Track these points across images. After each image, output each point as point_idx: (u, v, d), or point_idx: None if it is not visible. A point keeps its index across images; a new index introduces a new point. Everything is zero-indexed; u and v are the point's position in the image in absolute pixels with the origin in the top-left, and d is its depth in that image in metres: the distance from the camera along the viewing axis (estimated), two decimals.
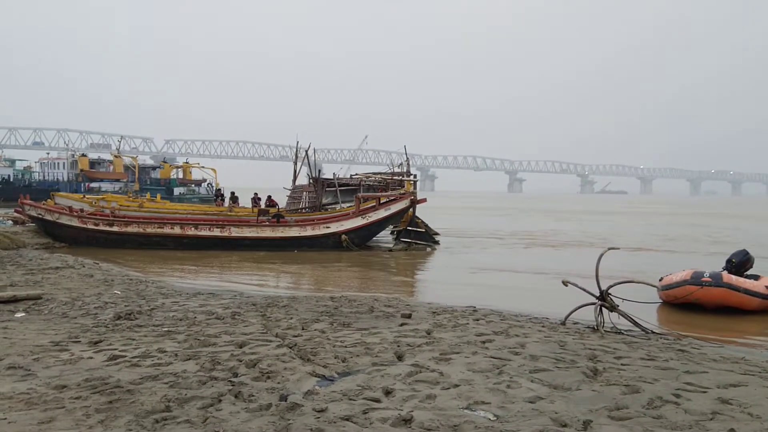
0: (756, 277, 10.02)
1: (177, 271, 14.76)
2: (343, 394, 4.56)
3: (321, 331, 6.93)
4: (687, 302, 9.75)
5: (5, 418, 3.97)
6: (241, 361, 5.46)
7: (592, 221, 40.85)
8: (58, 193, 28.03)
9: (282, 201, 26.19)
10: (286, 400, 4.40)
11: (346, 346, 6.15)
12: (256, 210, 22.94)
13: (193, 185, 58.19)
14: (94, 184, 50.04)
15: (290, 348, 6.03)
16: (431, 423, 3.99)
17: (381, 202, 20.02)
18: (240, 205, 26.49)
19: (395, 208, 20.05)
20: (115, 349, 5.88)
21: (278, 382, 4.87)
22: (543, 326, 7.79)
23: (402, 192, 21.72)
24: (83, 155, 57.37)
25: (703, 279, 9.55)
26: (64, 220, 19.29)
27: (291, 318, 7.78)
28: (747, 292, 9.47)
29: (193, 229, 19.09)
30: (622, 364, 5.62)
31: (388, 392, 4.66)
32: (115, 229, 19.12)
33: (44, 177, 55.00)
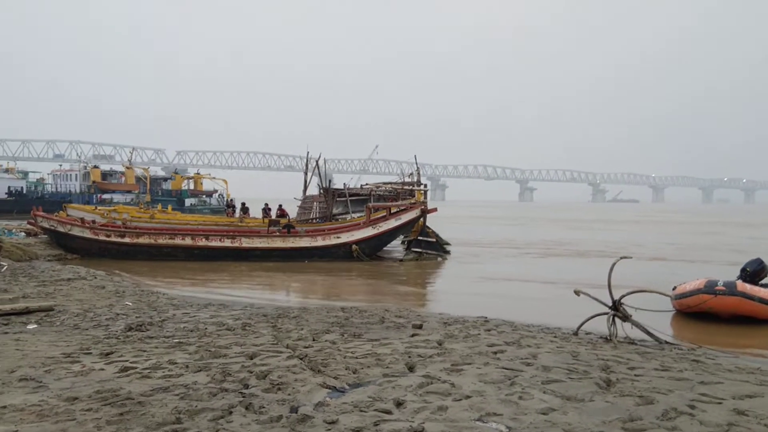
0: None
1: (188, 282, 14.80)
2: (354, 406, 4.54)
3: (332, 342, 6.91)
4: (701, 311, 9.66)
5: (17, 430, 3.98)
6: (251, 373, 5.44)
7: (604, 230, 40.67)
8: (71, 204, 28.26)
9: (293, 211, 26.24)
10: (296, 412, 4.38)
11: (356, 357, 6.12)
12: (266, 220, 23.01)
13: (204, 196, 58.49)
14: (106, 196, 50.43)
15: (301, 359, 6.01)
16: None
17: (391, 212, 20.03)
18: (251, 216, 26.56)
19: (406, 217, 20.05)
20: (126, 361, 5.89)
21: (289, 394, 4.85)
22: (555, 336, 7.74)
23: (412, 202, 21.72)
24: (95, 167, 57.87)
25: (717, 288, 9.46)
26: (76, 231, 19.41)
27: (301, 329, 7.77)
28: (762, 300, 9.37)
29: (203, 240, 19.15)
30: (635, 375, 5.56)
31: (399, 404, 4.63)
32: (126, 240, 19.22)
33: (57, 189, 55.53)
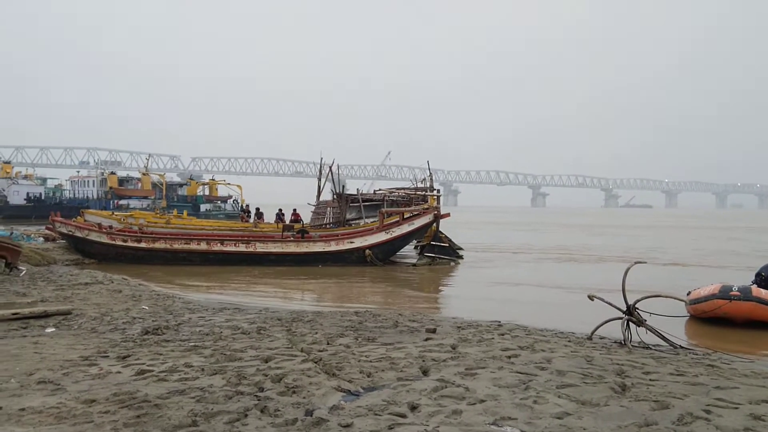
0: None
1: (203, 286, 14.89)
2: (368, 409, 4.56)
3: (346, 346, 6.93)
4: (715, 317, 9.58)
5: None
6: (266, 376, 5.48)
7: (621, 235, 40.39)
8: (88, 210, 28.52)
9: (307, 216, 26.33)
10: (311, 415, 4.41)
11: (371, 361, 6.14)
12: (280, 225, 23.10)
13: (219, 202, 58.89)
14: (122, 201, 50.90)
15: (315, 363, 6.04)
16: None
17: (404, 217, 20.03)
18: (265, 221, 26.69)
19: (419, 223, 20.03)
20: (143, 364, 5.95)
21: (304, 397, 4.88)
22: (569, 341, 7.71)
23: (425, 207, 21.72)
24: (112, 173, 58.43)
25: (732, 293, 9.39)
26: (94, 236, 19.59)
27: (316, 333, 7.80)
28: None
29: (218, 244, 19.25)
30: (650, 380, 5.54)
31: (413, 407, 4.64)
32: (142, 245, 19.37)
33: (74, 194, 56.14)
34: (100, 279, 13.82)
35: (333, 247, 19.34)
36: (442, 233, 21.13)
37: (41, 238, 22.42)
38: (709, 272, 17.61)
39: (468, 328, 8.50)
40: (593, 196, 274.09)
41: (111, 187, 54.28)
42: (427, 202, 23.30)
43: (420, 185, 26.95)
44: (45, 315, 8.84)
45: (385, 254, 19.73)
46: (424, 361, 6.16)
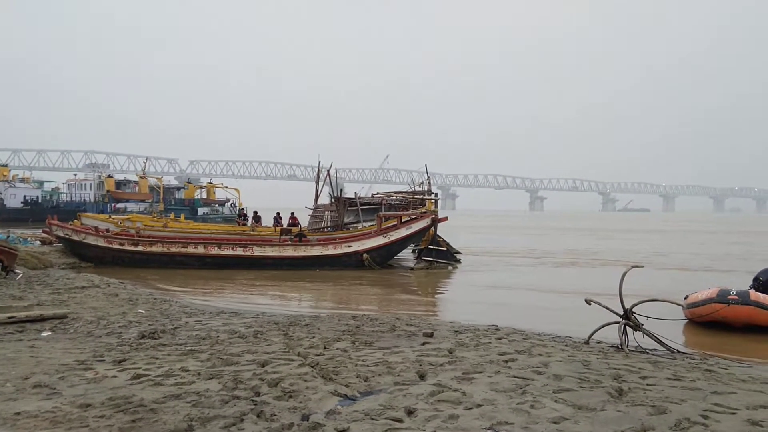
0: None
1: (200, 290, 14.87)
2: (365, 414, 4.54)
3: (343, 350, 6.92)
4: (713, 321, 9.59)
5: None
6: (263, 380, 5.46)
7: (621, 240, 40.40)
8: (85, 213, 28.47)
9: (304, 220, 26.32)
10: (308, 420, 4.39)
11: (368, 365, 6.13)
12: (278, 229, 23.09)
13: (216, 205, 58.79)
14: (119, 205, 50.82)
15: (312, 367, 6.03)
16: None
17: (402, 220, 20.04)
18: (262, 225, 26.67)
19: (416, 226, 20.05)
20: (139, 368, 5.93)
21: (300, 402, 4.86)
22: (566, 345, 7.71)
23: (423, 211, 21.72)
24: (109, 176, 58.36)
25: (730, 297, 9.39)
26: (90, 240, 19.57)
27: (313, 337, 7.79)
28: None
29: (216, 248, 19.24)
30: (647, 384, 5.53)
31: (410, 412, 4.63)
32: (139, 248, 19.35)
33: (71, 198, 56.00)
34: (97, 282, 13.79)
35: (331, 250, 19.34)
36: (440, 237, 21.14)
37: (38, 242, 22.40)
38: (708, 276, 17.62)
39: (465, 332, 8.49)
40: (591, 200, 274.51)
41: (108, 191, 54.19)
42: (425, 205, 23.32)
43: (418, 189, 26.96)
44: (41, 319, 8.82)
45: (382, 258, 19.73)
46: (421, 365, 6.15)
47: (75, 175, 66.63)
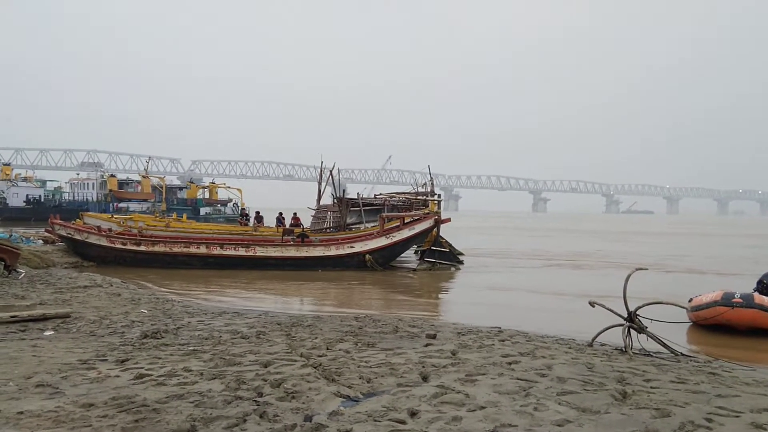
0: None
1: (202, 290, 14.87)
2: (368, 415, 4.53)
3: (345, 351, 6.91)
4: (717, 324, 9.56)
5: None
6: (266, 381, 5.45)
7: (626, 242, 40.31)
8: (87, 213, 28.48)
9: (307, 221, 26.31)
10: (310, 421, 4.38)
11: (370, 367, 6.12)
12: (280, 229, 23.08)
13: (219, 205, 58.82)
14: (122, 204, 50.86)
15: (315, 368, 6.02)
16: None
17: (405, 221, 20.02)
18: (265, 225, 26.66)
19: (419, 227, 20.03)
20: (142, 368, 5.92)
21: (303, 403, 4.85)
22: (570, 348, 7.69)
23: (426, 212, 21.70)
24: (112, 176, 58.44)
25: (734, 300, 9.36)
26: (93, 239, 19.59)
27: (315, 338, 7.78)
28: None
29: (218, 248, 19.24)
30: (651, 387, 5.51)
31: (413, 414, 4.62)
32: (142, 248, 19.36)
33: (74, 197, 56.07)
34: (99, 282, 13.80)
35: (333, 251, 19.34)
36: (443, 238, 21.12)
37: (40, 241, 22.43)
38: (713, 279, 17.58)
39: (468, 333, 8.47)
40: (594, 202, 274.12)
41: (111, 190, 54.27)
42: (427, 206, 23.29)
43: (421, 190, 26.93)
44: (44, 318, 8.82)
45: (385, 259, 19.72)
46: (424, 366, 6.14)
47: (77, 174, 66.71)
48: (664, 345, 7.63)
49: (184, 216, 34.80)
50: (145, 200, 53.81)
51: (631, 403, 4.99)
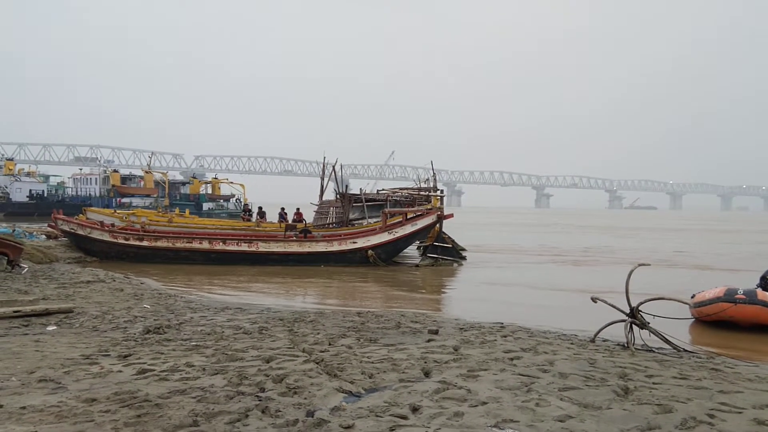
0: None
1: (205, 285, 14.88)
2: (369, 411, 4.54)
3: (348, 347, 6.92)
4: (720, 320, 9.54)
5: (36, 431, 4.02)
6: (268, 376, 5.46)
7: (634, 238, 40.20)
8: (90, 208, 28.55)
9: (309, 216, 26.32)
10: (312, 416, 4.39)
11: (372, 362, 6.12)
12: (283, 225, 23.08)
13: (221, 200, 58.87)
14: (125, 200, 50.97)
15: (317, 363, 6.02)
16: None
17: (408, 217, 19.99)
18: (267, 220, 26.68)
19: (422, 223, 20.00)
20: (144, 363, 5.94)
21: (305, 398, 4.86)
22: (572, 343, 7.68)
23: (429, 207, 21.68)
24: (115, 171, 58.53)
25: (737, 296, 9.34)
26: (96, 234, 19.61)
27: (318, 333, 7.79)
28: None
29: (221, 244, 19.25)
30: (653, 383, 5.51)
31: (415, 409, 4.62)
32: (145, 243, 19.38)
33: (77, 192, 56.21)
34: (102, 277, 13.82)
35: (336, 247, 19.32)
36: (446, 234, 21.10)
37: (43, 236, 22.48)
38: (717, 274, 17.55)
39: (470, 329, 8.48)
40: (597, 198, 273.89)
41: (113, 185, 54.38)
42: (430, 202, 23.27)
43: (423, 185, 26.91)
44: (46, 313, 8.84)
45: (387, 255, 19.70)
46: (426, 362, 6.14)
47: (80, 169, 66.81)
48: (667, 341, 7.62)
49: (187, 211, 34.82)
50: (147, 195, 53.89)
51: (633, 398, 4.99)
